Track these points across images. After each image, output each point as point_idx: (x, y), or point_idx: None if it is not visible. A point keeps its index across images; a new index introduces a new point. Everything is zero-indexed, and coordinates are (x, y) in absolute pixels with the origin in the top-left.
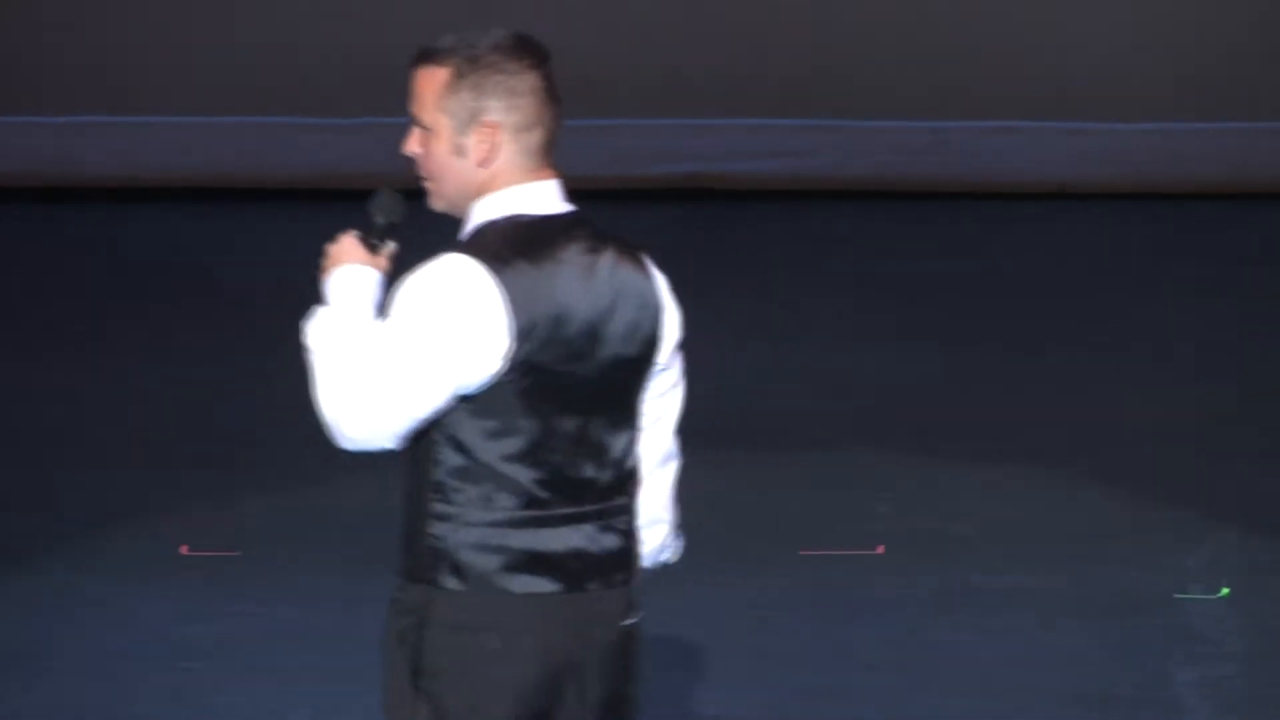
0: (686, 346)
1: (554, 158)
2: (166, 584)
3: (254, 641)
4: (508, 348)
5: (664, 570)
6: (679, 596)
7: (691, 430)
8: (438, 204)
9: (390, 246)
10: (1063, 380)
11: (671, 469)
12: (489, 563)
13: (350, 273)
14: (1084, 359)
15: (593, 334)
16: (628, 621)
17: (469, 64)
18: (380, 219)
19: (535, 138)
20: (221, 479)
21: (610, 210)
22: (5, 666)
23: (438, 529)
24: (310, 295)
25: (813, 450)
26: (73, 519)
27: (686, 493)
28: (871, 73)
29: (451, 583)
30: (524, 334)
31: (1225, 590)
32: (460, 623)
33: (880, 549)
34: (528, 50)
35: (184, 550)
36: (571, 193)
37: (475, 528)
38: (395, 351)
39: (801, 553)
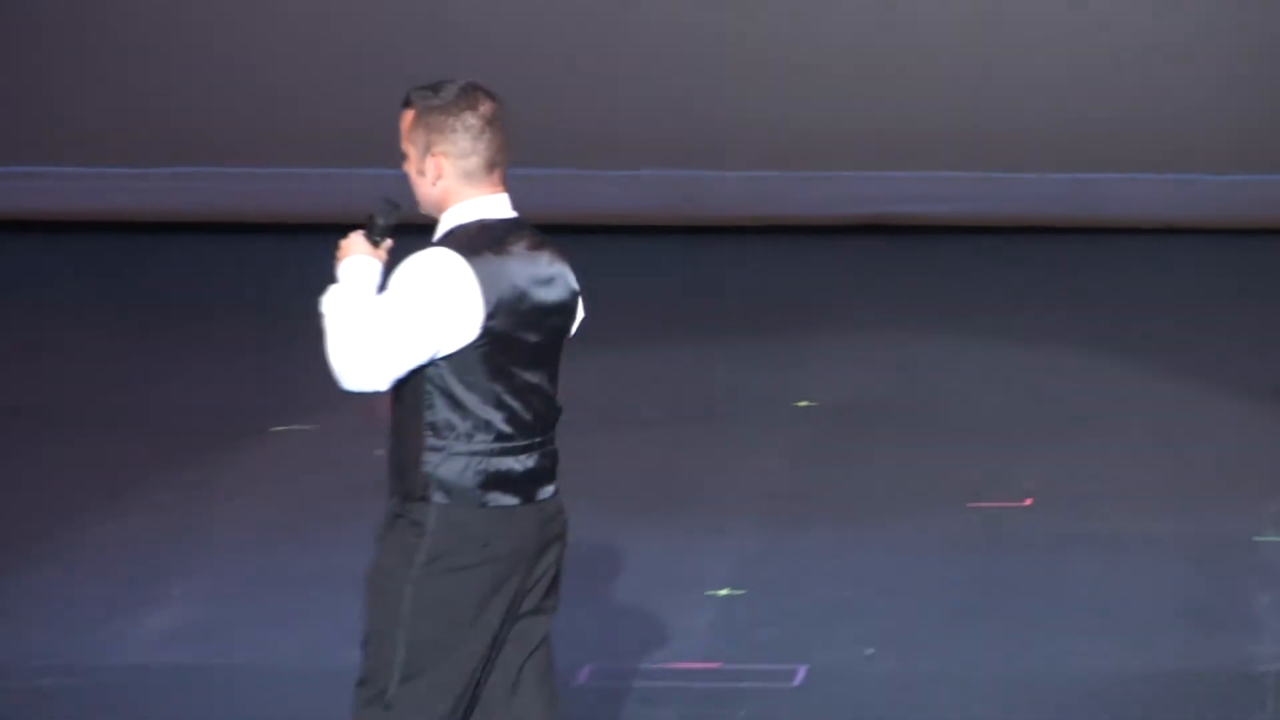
0: (881, 341)
1: (499, 176)
2: None
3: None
4: (482, 319)
5: (871, 514)
6: (878, 536)
7: (884, 417)
8: (422, 210)
9: (387, 242)
10: (1177, 379)
11: None
12: (469, 483)
13: (357, 260)
14: (1184, 361)
15: (539, 309)
16: (561, 519)
17: (424, 109)
18: (380, 220)
19: (471, 163)
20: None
21: (820, 240)
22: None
23: (430, 459)
24: None
25: (979, 429)
26: None
27: (895, 465)
28: (1019, 132)
29: (440, 498)
30: (493, 310)
31: None
32: (451, 531)
33: (1029, 501)
34: (467, 97)
35: None
36: (795, 228)
37: (459, 457)
38: (390, 318)
39: (968, 505)
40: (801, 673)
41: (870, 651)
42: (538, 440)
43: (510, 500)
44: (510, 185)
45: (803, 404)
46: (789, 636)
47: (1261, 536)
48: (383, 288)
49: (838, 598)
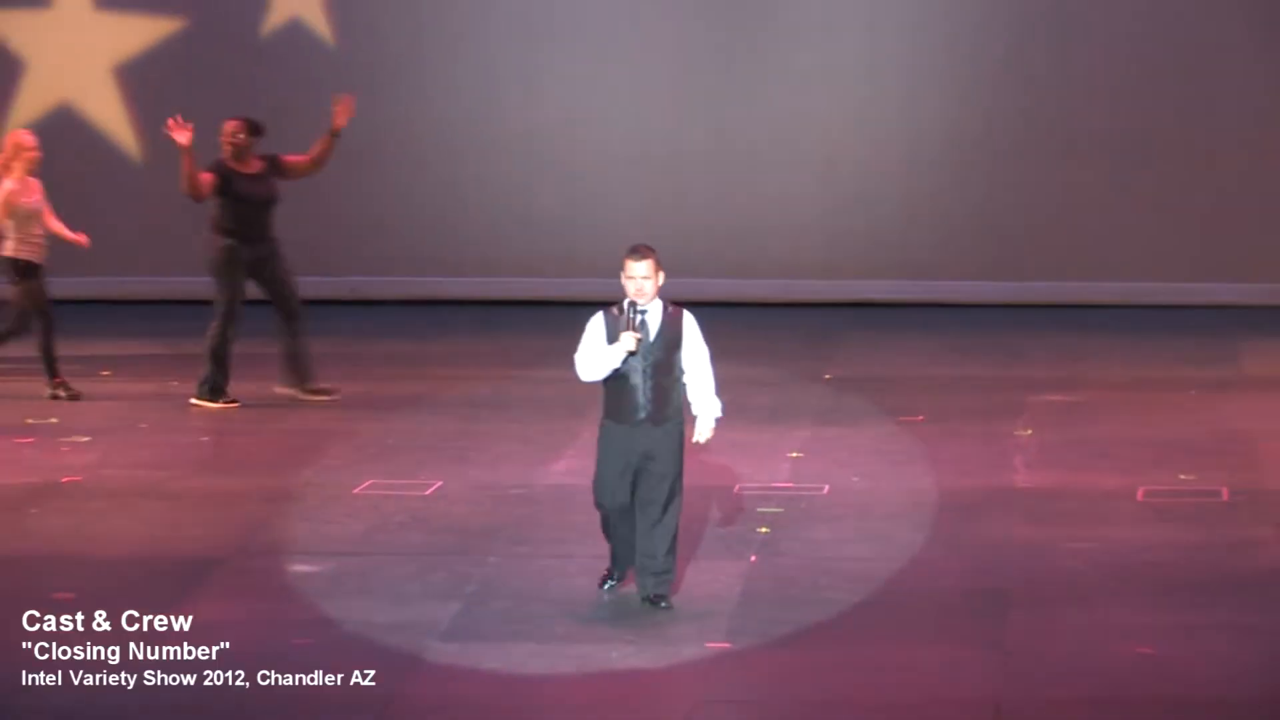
0: (864, 355)
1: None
2: None
3: None
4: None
5: (862, 422)
6: (862, 432)
7: (864, 383)
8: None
9: (628, 315)
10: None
11: None
12: (608, 410)
13: (621, 340)
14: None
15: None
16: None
17: (657, 258)
18: (636, 303)
19: (661, 279)
20: None
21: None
22: None
23: (679, 399)
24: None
25: (915, 385)
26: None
27: (866, 402)
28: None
29: (680, 415)
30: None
31: None
32: (604, 428)
33: (921, 419)
34: (634, 251)
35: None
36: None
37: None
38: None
39: (900, 420)
40: (826, 488)
41: (857, 479)
42: None
43: (624, 420)
44: None
45: (827, 377)
46: (821, 472)
47: (1019, 431)
48: (675, 338)
49: (843, 457)
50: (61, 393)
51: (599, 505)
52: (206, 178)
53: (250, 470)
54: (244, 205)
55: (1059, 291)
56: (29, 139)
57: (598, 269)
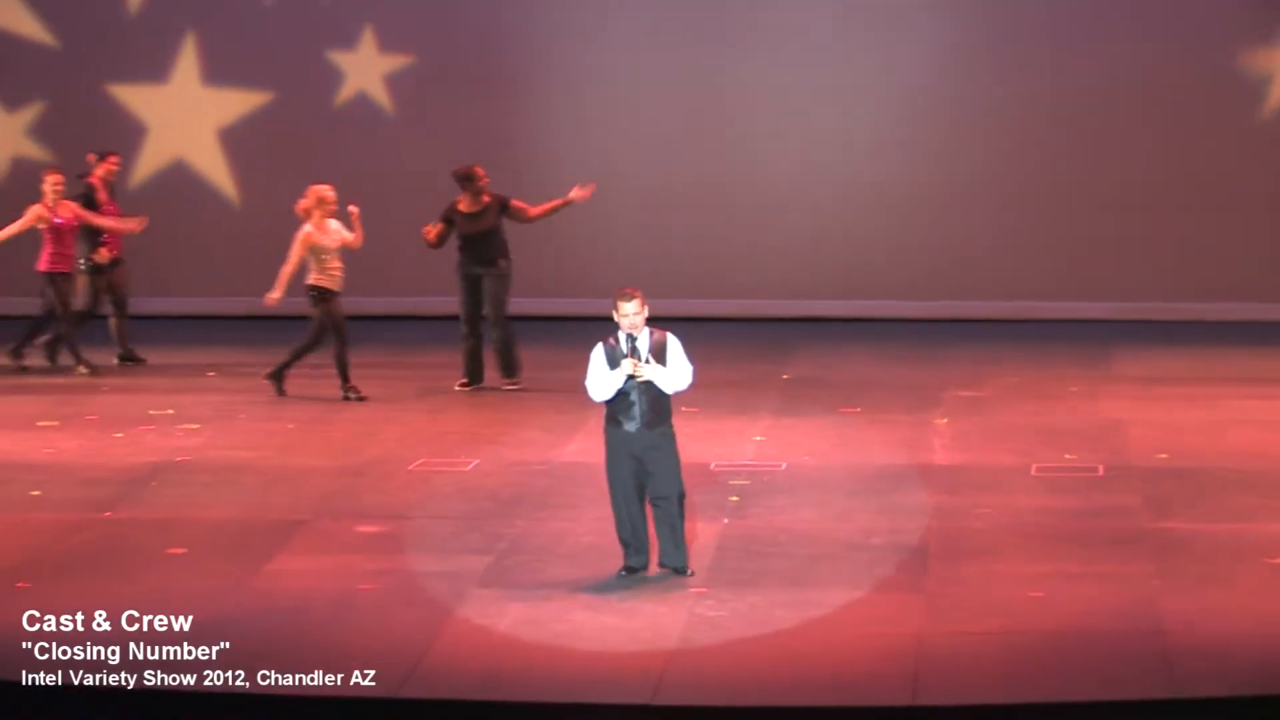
0: (815, 359)
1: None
2: None
3: None
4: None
5: (811, 411)
6: (811, 421)
7: (813, 382)
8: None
9: (625, 346)
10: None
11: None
12: (611, 419)
13: (622, 366)
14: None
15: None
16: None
17: (643, 297)
18: (627, 346)
19: (646, 312)
20: None
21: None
22: None
23: (670, 409)
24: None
25: (850, 389)
26: None
27: (818, 395)
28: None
29: (670, 419)
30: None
31: None
32: (672, 427)
33: (857, 409)
34: (624, 294)
35: None
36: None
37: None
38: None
39: (840, 409)
40: (784, 465)
41: (808, 457)
42: None
43: (629, 427)
44: None
45: (785, 377)
46: (780, 453)
47: (937, 419)
48: (661, 356)
49: (797, 441)
50: (353, 395)
51: (615, 503)
52: (438, 228)
53: (326, 451)
54: (461, 238)
55: (968, 309)
56: (330, 194)
57: (599, 290)
